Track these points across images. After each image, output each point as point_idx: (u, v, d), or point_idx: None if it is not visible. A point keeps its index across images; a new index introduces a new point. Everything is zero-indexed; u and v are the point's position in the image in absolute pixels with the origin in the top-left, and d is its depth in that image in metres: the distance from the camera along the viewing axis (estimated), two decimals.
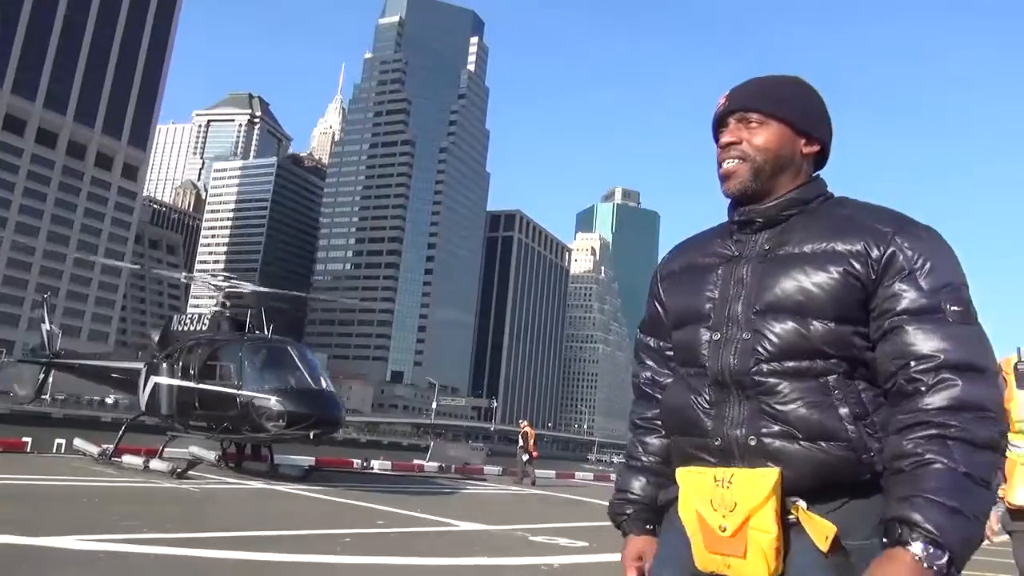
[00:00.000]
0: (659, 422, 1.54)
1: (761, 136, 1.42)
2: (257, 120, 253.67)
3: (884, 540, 1.19)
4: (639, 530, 1.52)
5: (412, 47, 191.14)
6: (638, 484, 1.55)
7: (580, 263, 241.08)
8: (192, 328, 14.79)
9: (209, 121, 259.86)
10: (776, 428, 1.30)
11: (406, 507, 10.97)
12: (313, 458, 17.91)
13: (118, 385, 17.62)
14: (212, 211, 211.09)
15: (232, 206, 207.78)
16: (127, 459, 13.64)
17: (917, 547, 1.13)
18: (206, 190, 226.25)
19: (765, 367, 1.33)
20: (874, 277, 1.30)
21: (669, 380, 1.54)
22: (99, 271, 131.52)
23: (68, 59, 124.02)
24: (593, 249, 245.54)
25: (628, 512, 1.54)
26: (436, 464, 22.49)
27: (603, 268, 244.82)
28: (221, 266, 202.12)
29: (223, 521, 8.38)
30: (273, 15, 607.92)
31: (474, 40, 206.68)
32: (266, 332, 14.77)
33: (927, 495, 1.15)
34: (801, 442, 1.28)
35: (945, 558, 1.12)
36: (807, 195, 1.43)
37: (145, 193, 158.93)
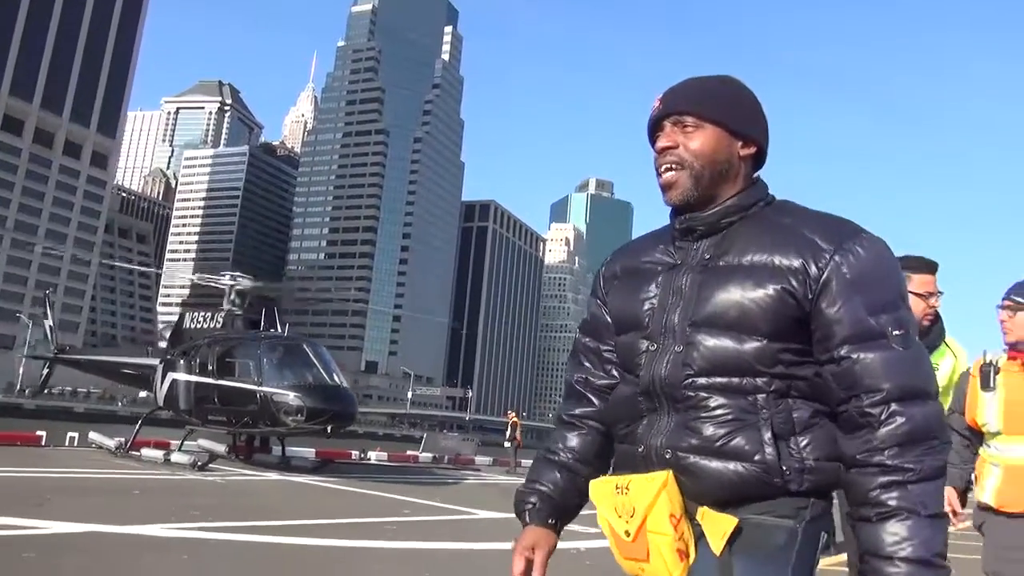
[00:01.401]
0: (586, 420, 1.55)
1: (697, 140, 1.40)
2: (228, 108, 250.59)
3: None
4: (539, 521, 1.51)
5: (386, 36, 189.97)
6: (549, 477, 1.54)
7: (554, 253, 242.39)
8: (205, 326, 15.29)
9: (178, 108, 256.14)
10: (694, 442, 1.32)
11: (423, 497, 11.66)
12: (313, 450, 18.55)
13: (129, 380, 18.04)
14: (183, 200, 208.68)
15: (203, 195, 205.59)
16: (146, 452, 14.16)
17: None
18: (176, 178, 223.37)
19: (695, 381, 1.33)
20: (811, 297, 1.30)
21: (603, 381, 1.54)
22: (68, 261, 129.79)
23: (35, 44, 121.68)
24: (567, 239, 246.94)
25: (532, 501, 1.53)
26: (430, 455, 23.20)
27: (577, 258, 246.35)
28: (192, 255, 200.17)
29: (270, 511, 9.00)
30: (243, 1, 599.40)
31: (448, 29, 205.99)
32: (279, 329, 15.33)
33: (901, 554, 1.21)
34: (713, 460, 1.30)
35: None
36: (747, 201, 1.42)
37: (114, 181, 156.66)
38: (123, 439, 15.19)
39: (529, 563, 1.46)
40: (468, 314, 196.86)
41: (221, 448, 15.81)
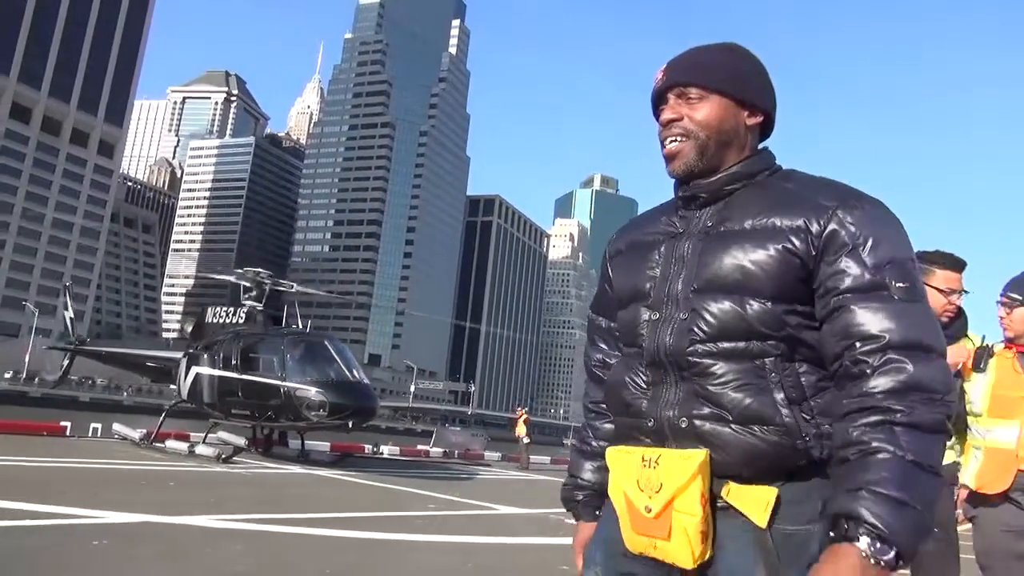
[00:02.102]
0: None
1: (702, 111, 1.37)
2: (234, 98, 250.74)
3: (831, 534, 1.16)
4: (589, 516, 1.51)
5: (393, 28, 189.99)
6: (588, 469, 1.53)
7: (558, 249, 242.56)
8: (228, 321, 15.62)
9: (185, 98, 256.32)
10: (708, 410, 1.28)
11: (443, 492, 11.97)
12: (327, 443, 18.89)
13: (150, 373, 18.37)
14: (188, 190, 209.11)
15: (209, 185, 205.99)
16: (171, 444, 14.50)
17: (863, 542, 1.11)
18: (181, 168, 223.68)
19: (700, 348, 1.31)
20: (815, 254, 1.27)
21: None
22: (74, 250, 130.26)
23: (43, 32, 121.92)
24: (571, 235, 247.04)
25: (579, 498, 1.53)
26: (440, 450, 23.57)
27: (581, 254, 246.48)
28: (197, 246, 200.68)
29: (304, 504, 9.34)
30: None
31: (456, 23, 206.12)
32: (299, 325, 15.66)
33: (872, 487, 1.13)
34: (732, 425, 1.26)
35: (892, 552, 1.11)
36: (752, 168, 1.39)
37: (120, 171, 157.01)
38: (146, 431, 15.56)
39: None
40: (471, 309, 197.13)
41: (241, 441, 16.14)
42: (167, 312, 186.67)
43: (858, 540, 1.11)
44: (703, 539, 1.25)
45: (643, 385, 1.38)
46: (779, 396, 1.25)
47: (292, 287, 17.15)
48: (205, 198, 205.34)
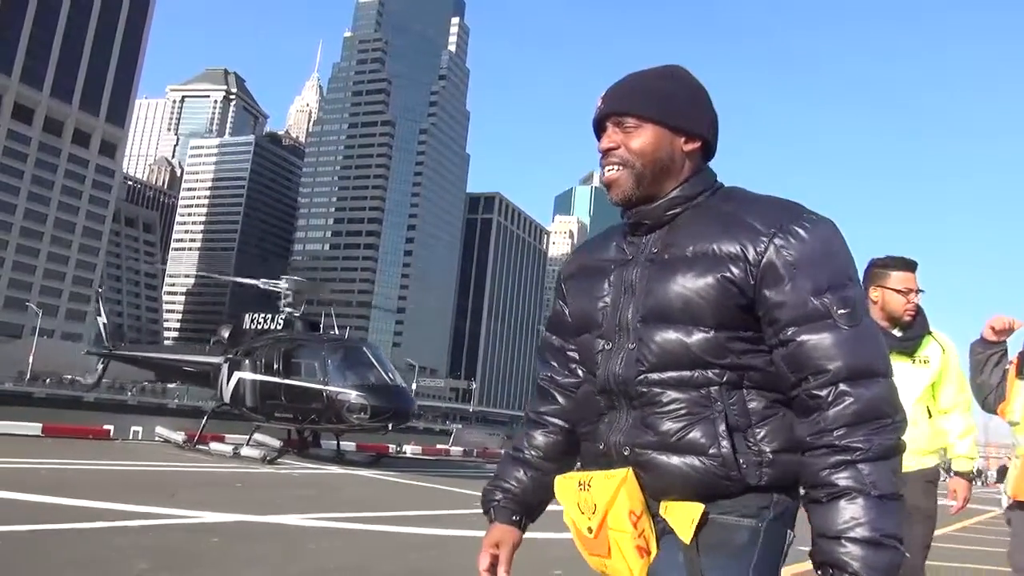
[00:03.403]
0: (551, 418, 1.56)
1: (638, 140, 1.39)
2: (233, 96, 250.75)
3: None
4: (504, 519, 1.53)
5: (392, 26, 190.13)
6: (515, 475, 1.56)
7: (558, 246, 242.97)
8: (266, 327, 16.20)
9: (184, 97, 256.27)
10: (650, 439, 1.32)
11: (480, 490, 12.58)
12: (353, 443, 19.50)
13: (188, 377, 18.96)
14: (189, 189, 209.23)
15: (209, 184, 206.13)
16: (214, 446, 15.10)
17: None
18: (181, 167, 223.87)
19: (648, 377, 1.34)
20: (753, 282, 1.29)
21: (568, 380, 1.55)
22: (76, 250, 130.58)
23: (45, 33, 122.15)
24: (571, 232, 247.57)
25: (497, 498, 1.55)
26: (460, 448, 24.25)
27: None
28: (198, 245, 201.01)
29: (364, 503, 9.98)
30: None
31: (455, 21, 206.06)
32: (335, 331, 16.25)
33: (849, 534, 1.19)
34: (669, 454, 1.30)
35: None
36: (691, 191, 1.41)
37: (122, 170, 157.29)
38: (184, 433, 16.15)
39: (495, 559, 1.48)
40: (472, 306, 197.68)
41: (278, 443, 16.74)
42: (168, 311, 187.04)
43: None
44: (640, 554, 1.30)
45: (601, 411, 1.42)
46: (721, 427, 1.29)
47: (328, 290, 17.65)
48: (205, 197, 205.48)
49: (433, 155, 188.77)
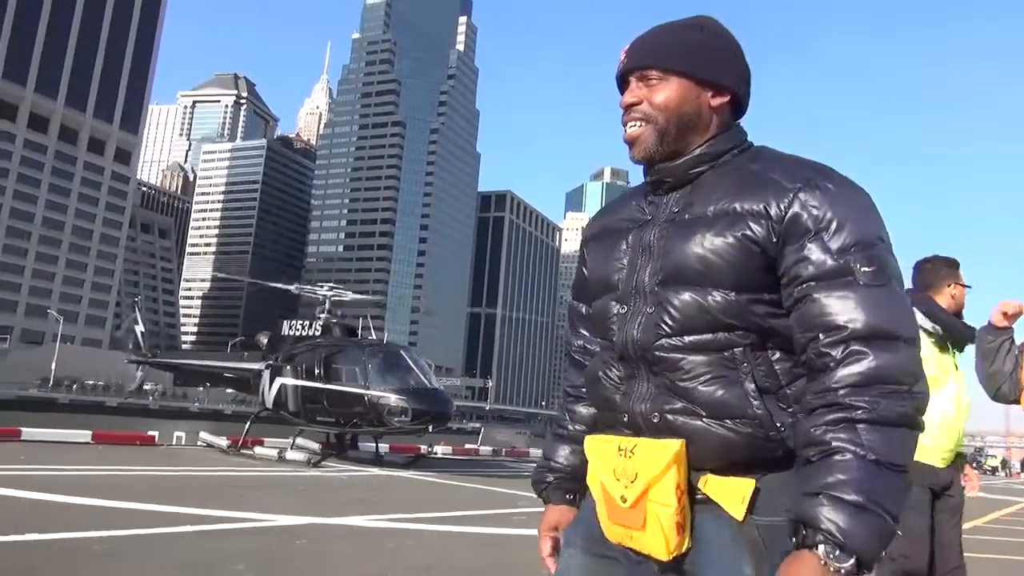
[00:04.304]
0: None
1: (661, 94, 1.33)
2: (243, 101, 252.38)
3: (792, 539, 1.13)
4: (558, 499, 1.50)
5: (400, 27, 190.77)
6: (562, 453, 1.52)
7: (571, 242, 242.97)
8: (305, 333, 16.64)
9: (195, 102, 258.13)
10: (679, 405, 1.26)
11: (522, 489, 12.90)
12: (387, 444, 19.90)
13: (229, 383, 19.44)
14: (202, 193, 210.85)
15: (222, 188, 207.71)
16: (259, 450, 15.54)
17: (821, 550, 1.08)
18: (194, 172, 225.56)
19: (667, 342, 1.28)
20: (775, 240, 1.23)
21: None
22: (94, 256, 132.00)
23: (58, 42, 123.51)
24: (583, 228, 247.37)
25: (549, 480, 1.51)
26: (489, 448, 24.60)
27: None
28: (212, 249, 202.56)
29: (419, 504, 10.35)
30: None
31: (462, 20, 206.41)
32: (373, 335, 16.66)
33: (831, 492, 1.09)
34: (705, 419, 1.24)
35: (851, 560, 1.07)
36: (718, 149, 1.35)
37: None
38: (228, 438, 16.60)
39: (556, 542, 1.45)
40: (486, 304, 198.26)
41: (315, 445, 17.16)
42: (184, 315, 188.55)
43: (816, 548, 1.09)
44: (678, 530, 1.23)
45: (617, 380, 1.36)
46: (750, 387, 1.23)
47: (370, 294, 18.09)
48: (219, 201, 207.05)
49: (444, 155, 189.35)
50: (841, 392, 1.14)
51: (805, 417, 1.18)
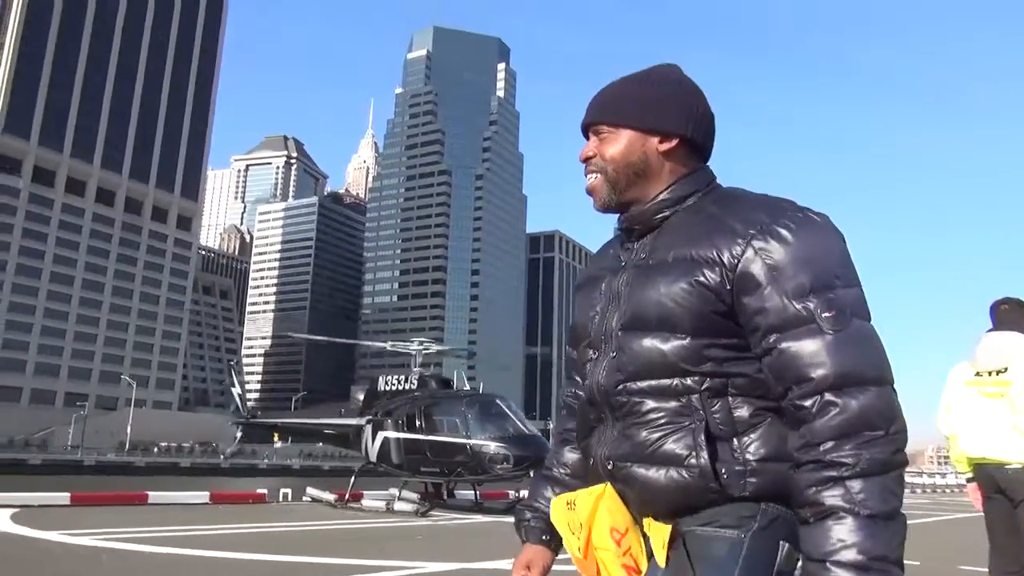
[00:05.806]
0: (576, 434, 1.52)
1: (610, 147, 1.38)
2: (293, 160, 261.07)
3: None
4: (534, 539, 1.51)
5: (441, 79, 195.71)
6: (544, 494, 1.53)
7: None
8: (401, 388, 17.34)
9: (248, 165, 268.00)
10: (629, 450, 1.28)
11: None
12: (473, 492, 20.31)
13: (330, 440, 20.24)
14: (259, 253, 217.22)
15: (278, 247, 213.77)
16: (366, 503, 16.14)
17: None
18: (250, 233, 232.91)
19: (626, 386, 1.30)
20: (729, 287, 1.23)
21: None
22: (162, 321, 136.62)
23: (121, 117, 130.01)
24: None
25: (527, 518, 1.54)
26: None
27: None
28: (271, 307, 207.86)
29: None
30: (298, 58, 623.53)
31: (501, 66, 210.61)
32: (466, 387, 17.29)
33: (832, 558, 1.11)
34: (649, 467, 1.26)
35: None
36: (679, 193, 1.37)
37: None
38: (332, 492, 17.26)
39: None
40: (541, 344, 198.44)
41: (414, 496, 17.70)
42: (248, 374, 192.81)
43: None
44: (628, 573, 1.27)
45: (592, 424, 1.40)
46: (700, 437, 1.23)
47: (462, 353, 18.76)
48: (275, 260, 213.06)
49: (491, 199, 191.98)
50: (823, 448, 1.16)
51: (795, 472, 1.19)
